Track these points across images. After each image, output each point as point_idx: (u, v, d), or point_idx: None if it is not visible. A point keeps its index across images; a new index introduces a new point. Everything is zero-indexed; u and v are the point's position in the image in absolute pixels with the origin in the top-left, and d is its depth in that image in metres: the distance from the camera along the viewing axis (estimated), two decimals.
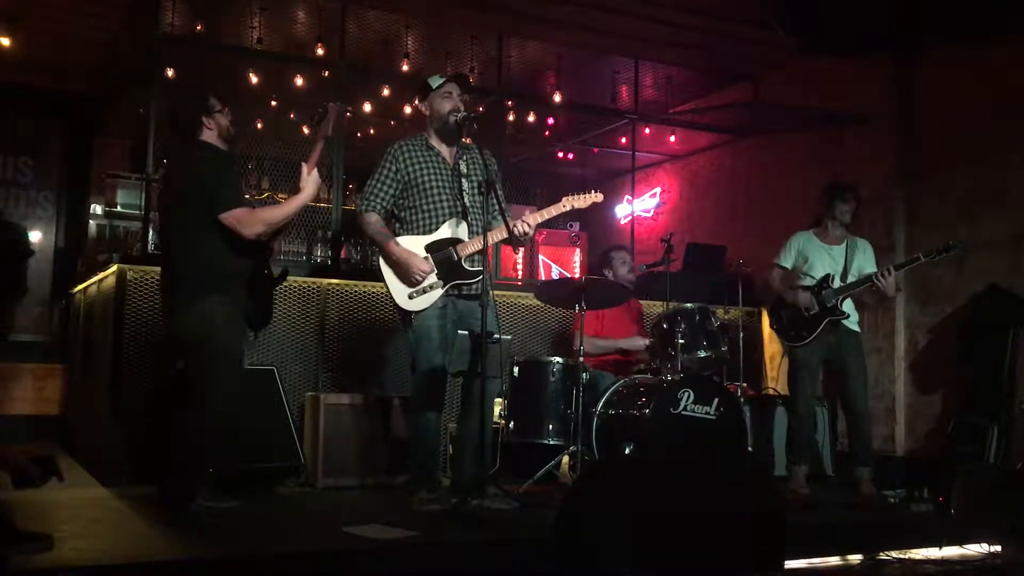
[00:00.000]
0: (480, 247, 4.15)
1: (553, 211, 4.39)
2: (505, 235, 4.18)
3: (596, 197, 4.43)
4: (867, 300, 5.61)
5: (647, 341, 5.39)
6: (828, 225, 5.37)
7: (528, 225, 4.23)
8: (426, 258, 4.21)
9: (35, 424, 6.99)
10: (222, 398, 3.84)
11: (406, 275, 4.18)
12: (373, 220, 4.28)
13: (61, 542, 3.14)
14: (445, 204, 4.28)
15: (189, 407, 3.86)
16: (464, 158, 4.38)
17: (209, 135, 4.01)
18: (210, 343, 3.81)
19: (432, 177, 4.29)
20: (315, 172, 4.00)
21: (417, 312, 4.20)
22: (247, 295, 4.00)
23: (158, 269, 4.84)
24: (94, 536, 3.40)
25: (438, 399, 4.27)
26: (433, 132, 4.38)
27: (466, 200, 4.29)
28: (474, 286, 4.25)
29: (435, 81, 4.37)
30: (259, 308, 4.11)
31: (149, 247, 5.54)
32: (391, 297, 4.25)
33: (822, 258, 5.31)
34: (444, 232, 4.26)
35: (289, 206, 3.95)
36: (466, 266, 4.24)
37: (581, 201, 4.40)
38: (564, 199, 4.39)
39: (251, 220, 3.83)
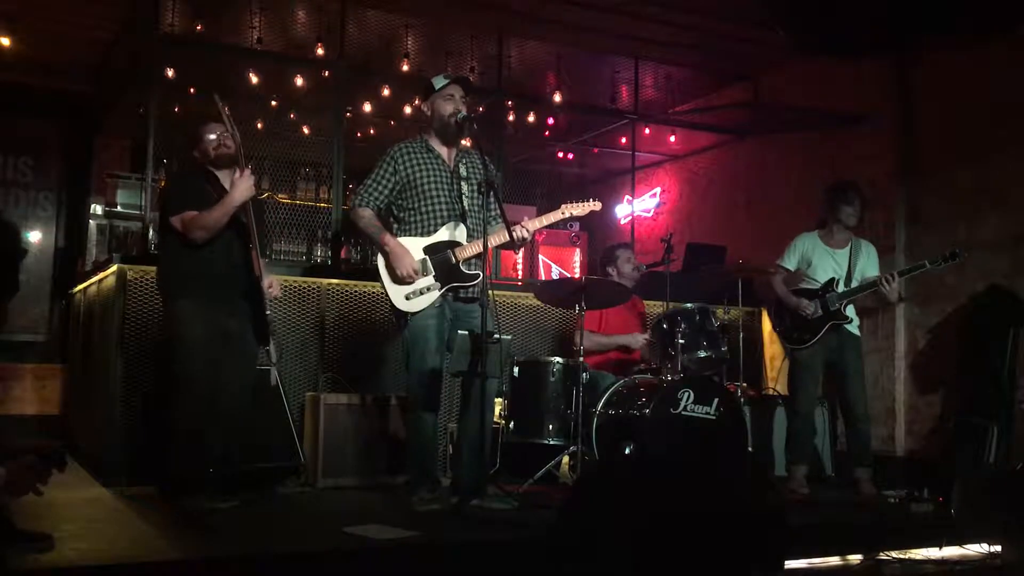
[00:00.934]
0: (478, 251, 4.16)
1: (552, 218, 4.41)
2: (503, 239, 4.19)
3: (594, 206, 4.44)
4: (868, 304, 5.62)
5: (647, 336, 5.40)
6: (833, 228, 5.36)
7: (526, 231, 4.24)
8: (423, 260, 4.22)
9: (35, 424, 6.98)
10: (193, 396, 3.95)
11: (393, 268, 4.18)
12: (366, 215, 4.29)
13: (61, 542, 3.15)
14: (444, 207, 4.29)
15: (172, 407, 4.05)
16: (464, 161, 4.39)
17: (198, 158, 4.22)
18: (176, 342, 4.02)
19: (431, 179, 4.29)
20: (247, 173, 4.06)
21: (414, 313, 4.20)
22: (246, 304, 4.12)
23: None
24: (94, 536, 3.41)
25: (434, 400, 4.27)
26: (434, 133, 4.39)
27: (465, 203, 4.30)
28: (471, 289, 4.26)
29: (438, 82, 4.37)
30: (256, 321, 4.20)
31: (149, 247, 5.54)
32: (388, 298, 4.25)
33: (825, 261, 5.31)
34: (443, 235, 4.27)
35: (218, 210, 4.00)
36: (464, 269, 4.24)
37: (580, 209, 4.41)
38: (563, 207, 4.41)
39: (190, 224, 3.98)
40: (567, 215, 4.41)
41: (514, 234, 4.13)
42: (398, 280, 4.20)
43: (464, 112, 4.28)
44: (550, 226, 4.60)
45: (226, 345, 4.05)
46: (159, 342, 4.64)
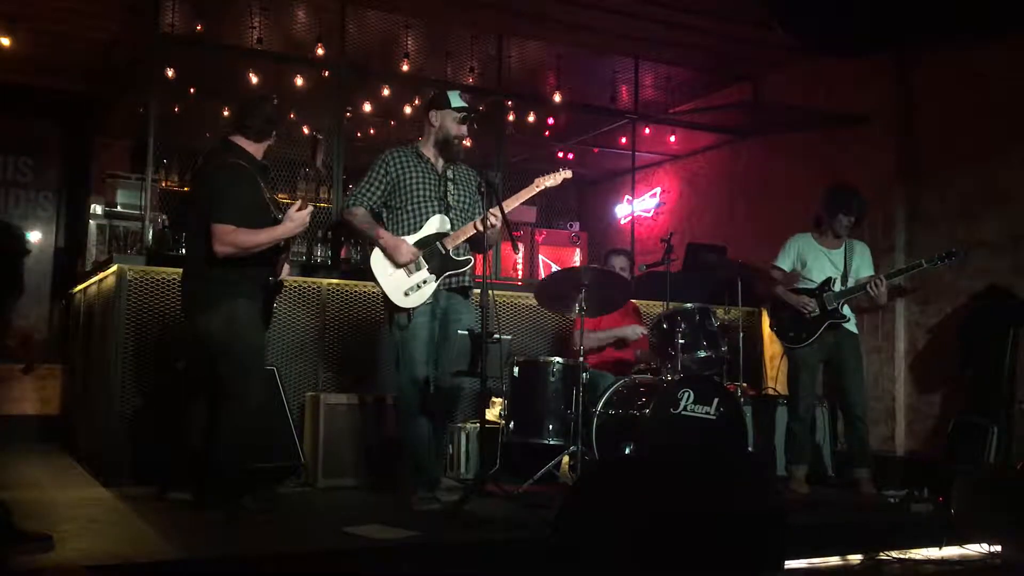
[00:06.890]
0: (466, 236, 4.25)
1: (526, 193, 4.46)
2: (492, 222, 4.22)
3: (566, 174, 4.51)
4: (864, 304, 5.63)
5: (644, 330, 5.39)
6: (827, 230, 5.37)
7: (502, 208, 4.25)
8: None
9: (35, 424, 6.98)
10: (255, 395, 3.92)
11: (393, 258, 4.21)
12: (359, 213, 4.34)
13: (61, 542, 3.15)
14: (430, 203, 4.34)
15: (223, 408, 3.91)
16: (452, 168, 4.45)
17: (254, 148, 4.09)
18: (239, 343, 3.89)
19: (418, 179, 4.36)
20: (309, 208, 3.91)
21: (413, 308, 4.21)
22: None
23: (158, 269, 4.89)
24: (94, 536, 3.41)
25: (426, 399, 4.29)
26: (430, 144, 4.42)
27: (450, 200, 4.36)
28: (463, 277, 4.33)
29: (455, 101, 4.39)
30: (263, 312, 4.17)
31: (149, 247, 5.54)
32: (384, 296, 4.26)
33: (821, 261, 5.32)
34: (430, 228, 4.32)
35: (263, 236, 3.88)
36: (454, 256, 4.29)
37: (552, 180, 4.48)
38: (536, 180, 4.47)
39: (226, 238, 3.81)
40: (540, 187, 4.46)
41: (488, 219, 4.17)
42: (401, 268, 4.22)
43: (466, 141, 4.39)
44: (552, 220, 4.61)
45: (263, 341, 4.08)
46: (167, 341, 4.66)
